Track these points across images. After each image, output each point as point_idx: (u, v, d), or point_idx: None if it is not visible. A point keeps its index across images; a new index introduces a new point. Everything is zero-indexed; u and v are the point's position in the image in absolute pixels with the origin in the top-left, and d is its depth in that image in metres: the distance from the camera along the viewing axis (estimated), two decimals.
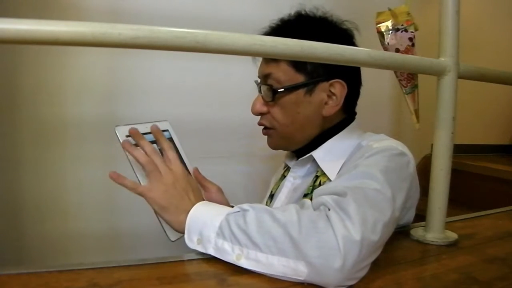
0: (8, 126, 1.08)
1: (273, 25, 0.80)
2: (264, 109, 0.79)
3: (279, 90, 0.76)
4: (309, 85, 0.76)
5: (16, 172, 1.09)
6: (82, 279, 0.51)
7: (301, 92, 0.76)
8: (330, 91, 0.76)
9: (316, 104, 0.77)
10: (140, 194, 0.65)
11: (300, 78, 0.76)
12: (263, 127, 0.83)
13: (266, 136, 0.84)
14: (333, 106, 0.77)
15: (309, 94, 0.76)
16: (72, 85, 1.12)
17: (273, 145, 0.84)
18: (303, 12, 0.81)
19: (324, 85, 0.76)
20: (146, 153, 0.67)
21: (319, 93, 0.76)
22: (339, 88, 0.76)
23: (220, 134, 1.29)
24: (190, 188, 0.67)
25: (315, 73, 0.75)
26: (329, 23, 0.80)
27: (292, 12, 0.81)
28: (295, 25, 0.79)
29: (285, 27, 0.79)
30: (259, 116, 0.82)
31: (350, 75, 0.79)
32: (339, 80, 0.76)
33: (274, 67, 0.76)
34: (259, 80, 0.83)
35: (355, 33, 0.81)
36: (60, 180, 1.13)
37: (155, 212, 0.65)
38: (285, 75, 0.76)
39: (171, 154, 0.69)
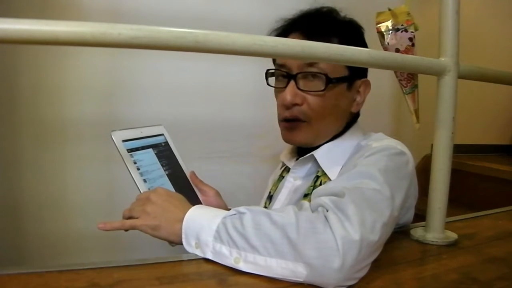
0: (8, 126, 1.08)
1: (305, 11, 0.80)
2: (298, 99, 0.76)
3: (333, 80, 0.74)
4: (351, 80, 0.77)
5: (16, 172, 1.09)
6: (82, 279, 0.51)
7: (344, 85, 0.77)
8: (358, 89, 0.79)
9: (350, 99, 0.79)
10: (130, 227, 0.63)
11: (345, 72, 0.76)
12: (285, 121, 0.78)
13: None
14: (359, 103, 0.81)
15: (349, 89, 0.78)
16: (72, 85, 1.12)
17: (300, 140, 0.79)
18: (333, 9, 0.80)
19: (357, 82, 0.79)
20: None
21: (354, 89, 0.79)
22: (365, 87, 0.80)
23: (220, 134, 1.29)
24: (172, 198, 0.65)
25: (355, 69, 0.77)
26: (356, 26, 0.81)
27: (323, 6, 0.81)
28: (329, 16, 0.79)
29: (319, 16, 0.79)
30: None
31: (367, 75, 0.82)
32: (367, 80, 0.80)
33: None
34: (273, 69, 0.81)
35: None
36: (60, 180, 1.13)
37: (152, 235, 0.63)
38: (332, 66, 0.74)
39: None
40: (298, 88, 0.75)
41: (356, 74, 0.78)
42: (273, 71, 0.82)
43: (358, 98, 0.80)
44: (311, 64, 0.74)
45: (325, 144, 0.79)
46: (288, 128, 0.79)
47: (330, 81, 0.74)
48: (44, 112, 1.10)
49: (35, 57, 1.07)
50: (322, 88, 0.74)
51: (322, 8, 0.80)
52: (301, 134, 0.78)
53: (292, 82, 0.76)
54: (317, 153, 0.78)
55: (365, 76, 0.81)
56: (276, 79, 0.82)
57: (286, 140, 0.81)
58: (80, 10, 1.10)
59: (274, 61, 0.82)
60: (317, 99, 0.75)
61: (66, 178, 1.14)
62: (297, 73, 0.75)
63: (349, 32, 0.78)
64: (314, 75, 0.74)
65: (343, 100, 0.78)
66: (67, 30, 0.46)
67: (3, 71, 1.05)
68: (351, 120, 0.82)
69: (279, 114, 0.80)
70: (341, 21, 0.80)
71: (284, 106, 0.77)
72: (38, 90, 1.09)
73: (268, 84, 0.83)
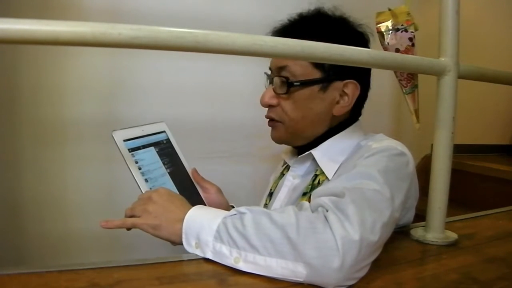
0: (8, 126, 1.08)
1: (291, 19, 0.80)
2: (274, 101, 0.78)
3: (294, 83, 0.75)
4: (324, 82, 0.76)
5: (16, 172, 1.09)
6: (82, 279, 0.51)
7: (315, 88, 0.76)
8: (343, 90, 0.77)
9: (328, 101, 0.77)
10: (132, 225, 0.64)
11: (316, 74, 0.75)
12: (269, 119, 0.81)
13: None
14: (344, 106, 0.77)
15: (323, 91, 0.76)
16: (72, 85, 1.12)
17: (277, 138, 0.82)
18: (322, 10, 0.80)
19: (338, 84, 0.76)
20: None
21: (332, 91, 0.77)
22: (352, 89, 0.77)
23: (220, 134, 1.29)
24: (173, 198, 0.65)
25: (331, 71, 0.75)
26: (346, 24, 0.80)
27: (309, 8, 0.81)
28: (313, 22, 0.79)
29: (303, 22, 0.79)
30: (266, 109, 0.81)
31: (363, 77, 0.79)
32: (353, 81, 0.76)
33: (292, 60, 0.75)
34: (269, 72, 0.82)
35: (370, 37, 0.80)
36: (60, 179, 1.13)
37: (153, 235, 0.63)
38: (301, 69, 0.75)
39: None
40: (275, 91, 0.78)
41: (335, 75, 0.75)
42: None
43: (345, 101, 0.77)
44: (281, 68, 0.76)
45: (324, 143, 0.79)
46: (270, 126, 0.83)
47: (291, 85, 0.75)
48: (44, 112, 1.10)
49: (35, 57, 1.07)
50: (285, 91, 0.76)
51: (308, 12, 0.80)
52: (277, 133, 0.81)
53: (270, 85, 0.79)
54: (315, 152, 0.78)
55: (353, 77, 0.76)
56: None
57: (271, 137, 0.84)
58: (80, 10, 1.10)
59: None
60: (288, 102, 0.77)
61: (66, 178, 1.14)
62: (274, 77, 0.78)
63: (336, 31, 0.77)
64: (281, 79, 0.76)
65: (317, 102, 0.76)
66: (67, 30, 0.46)
67: (3, 71, 1.05)
68: (349, 119, 0.81)
69: None
70: (328, 22, 0.79)
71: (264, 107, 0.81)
72: (38, 90, 1.09)
73: (266, 87, 0.84)
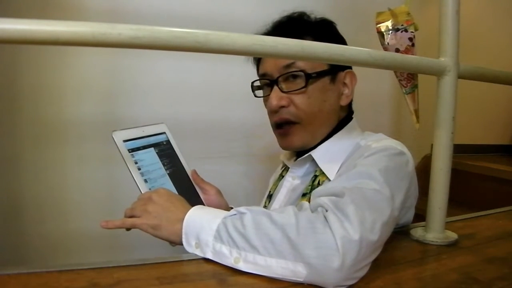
0: (8, 126, 1.08)
1: (276, 23, 0.81)
2: (284, 101, 0.76)
3: (312, 75, 0.75)
4: (333, 73, 0.78)
5: (16, 171, 1.09)
6: (82, 279, 0.51)
7: (326, 79, 0.77)
8: (343, 81, 0.79)
9: (336, 92, 0.79)
10: (131, 225, 0.64)
11: (324, 66, 0.77)
12: (277, 126, 0.79)
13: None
14: (348, 96, 0.80)
15: (333, 82, 0.78)
16: (72, 85, 1.12)
17: (297, 144, 0.79)
18: (304, 12, 0.82)
19: (341, 74, 0.79)
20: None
21: (338, 82, 0.79)
22: (350, 78, 0.80)
23: (220, 134, 1.29)
24: (173, 198, 0.65)
25: None
26: (331, 25, 0.82)
27: (294, 11, 0.82)
28: (299, 23, 0.80)
29: (289, 23, 0.80)
30: (267, 111, 0.81)
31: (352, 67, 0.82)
32: (351, 70, 0.80)
33: None
34: (259, 80, 0.82)
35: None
36: (60, 179, 1.13)
37: (153, 235, 0.63)
38: (308, 63, 0.76)
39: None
40: (282, 91, 0.77)
41: (337, 66, 0.78)
42: (258, 83, 0.83)
43: (346, 91, 0.80)
44: (288, 66, 0.75)
45: (323, 144, 0.79)
46: (282, 134, 0.80)
47: (309, 77, 0.75)
48: (44, 112, 1.10)
49: (35, 57, 1.07)
50: (303, 85, 0.75)
51: (292, 14, 0.81)
52: (296, 138, 0.79)
53: (275, 87, 0.77)
54: (315, 153, 0.78)
55: (349, 67, 0.81)
56: (262, 89, 0.84)
57: (284, 147, 0.82)
58: (80, 10, 1.10)
59: (257, 72, 0.84)
60: (302, 97, 0.76)
61: (66, 178, 1.14)
62: (278, 77, 0.77)
63: (321, 30, 0.79)
64: (294, 75, 0.76)
65: (329, 94, 0.78)
66: (67, 30, 0.46)
67: (3, 71, 1.05)
68: (345, 116, 0.82)
69: (270, 122, 0.82)
70: (312, 22, 0.81)
71: (272, 112, 0.79)
72: (38, 90, 1.09)
73: (255, 96, 0.84)
